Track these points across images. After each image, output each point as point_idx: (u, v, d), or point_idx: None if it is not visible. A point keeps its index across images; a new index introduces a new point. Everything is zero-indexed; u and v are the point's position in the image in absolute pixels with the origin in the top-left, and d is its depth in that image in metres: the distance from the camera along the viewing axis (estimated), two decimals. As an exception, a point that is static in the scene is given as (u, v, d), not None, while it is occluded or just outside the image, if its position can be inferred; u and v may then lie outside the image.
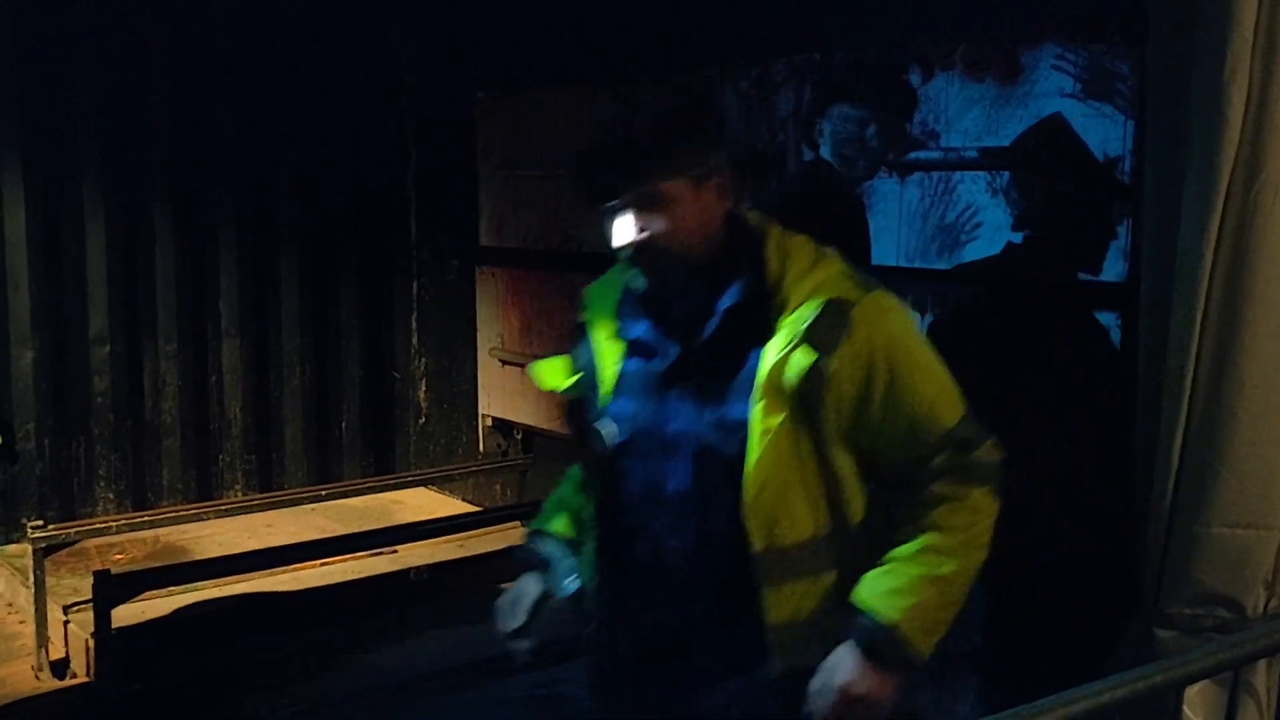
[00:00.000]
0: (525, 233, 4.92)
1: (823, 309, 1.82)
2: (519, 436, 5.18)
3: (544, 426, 4.92)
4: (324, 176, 5.18)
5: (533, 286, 4.89)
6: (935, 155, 3.40)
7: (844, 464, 1.90)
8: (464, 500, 5.33)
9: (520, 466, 5.22)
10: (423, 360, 5.53)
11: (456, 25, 5.13)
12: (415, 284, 5.47)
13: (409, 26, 5.28)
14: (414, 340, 5.52)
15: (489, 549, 4.79)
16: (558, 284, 4.75)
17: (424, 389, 5.53)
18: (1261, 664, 1.90)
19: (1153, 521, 1.96)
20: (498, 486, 5.29)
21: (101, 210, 4.68)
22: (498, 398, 5.17)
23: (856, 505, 1.92)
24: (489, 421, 5.26)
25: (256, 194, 5.04)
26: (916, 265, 3.48)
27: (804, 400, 1.83)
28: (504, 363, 5.09)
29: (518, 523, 5.02)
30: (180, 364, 4.93)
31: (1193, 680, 1.71)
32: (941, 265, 3.43)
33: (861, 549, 1.92)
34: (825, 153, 3.69)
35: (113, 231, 4.71)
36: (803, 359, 1.81)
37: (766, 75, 3.86)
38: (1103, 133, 3.02)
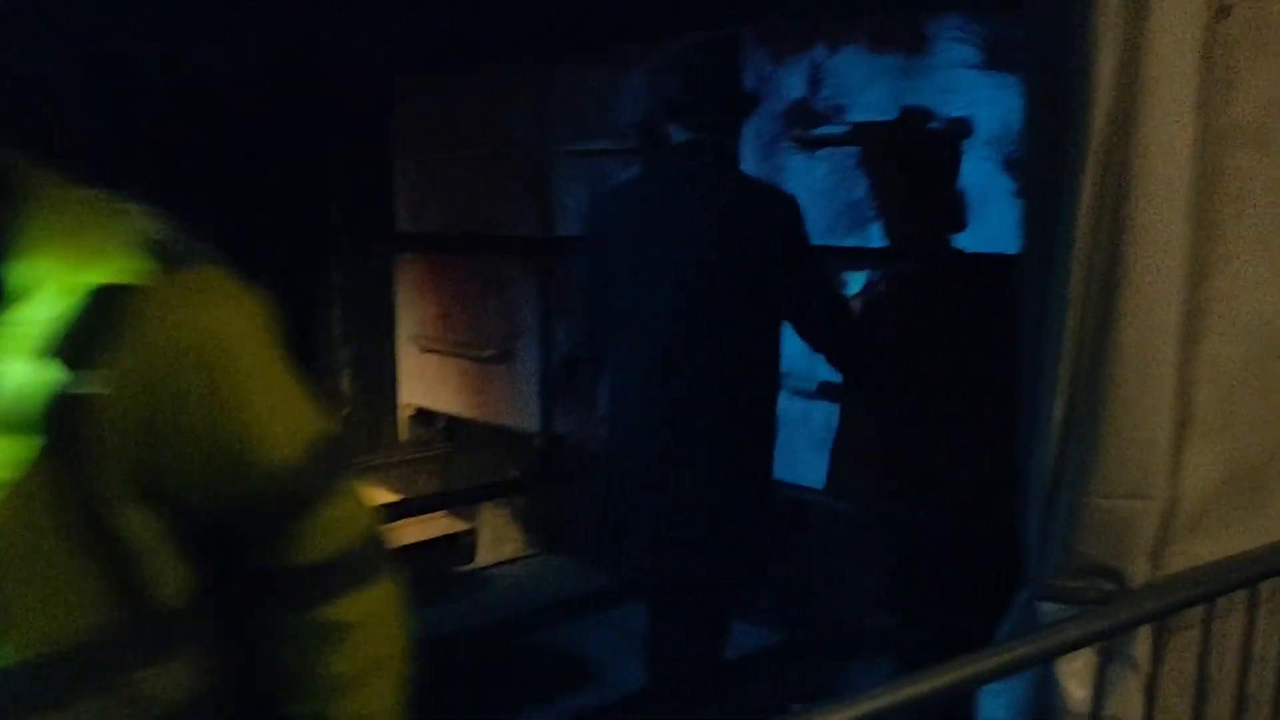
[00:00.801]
0: (442, 217, 4.84)
1: (86, 300, 1.25)
2: (441, 426, 5.10)
3: (466, 415, 4.85)
4: (240, 162, 5.06)
5: (451, 271, 4.82)
6: (841, 130, 3.36)
7: (140, 526, 1.29)
8: (387, 490, 5.24)
9: (443, 455, 5.14)
10: (345, 349, 5.43)
11: (373, 4, 5.03)
12: (335, 271, 5.37)
13: (325, 6, 5.16)
14: (335, 328, 5.42)
15: (411, 540, 4.73)
16: (476, 268, 4.67)
17: (346, 378, 5.43)
18: (1142, 633, 1.85)
19: (1034, 492, 1.91)
20: (421, 477, 5.21)
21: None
22: (419, 386, 5.09)
23: (170, 585, 1.33)
24: (411, 410, 5.18)
25: (168, 182, 4.91)
26: (827, 243, 3.44)
27: (60, 440, 1.23)
28: (424, 350, 5.01)
29: (441, 513, 4.99)
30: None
31: (1063, 652, 1.67)
32: (851, 242, 3.38)
33: (209, 642, 1.39)
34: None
35: None
36: (47, 377, 1.22)
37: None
38: (1005, 103, 2.98)
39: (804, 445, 3.64)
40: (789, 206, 2.99)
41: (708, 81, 2.88)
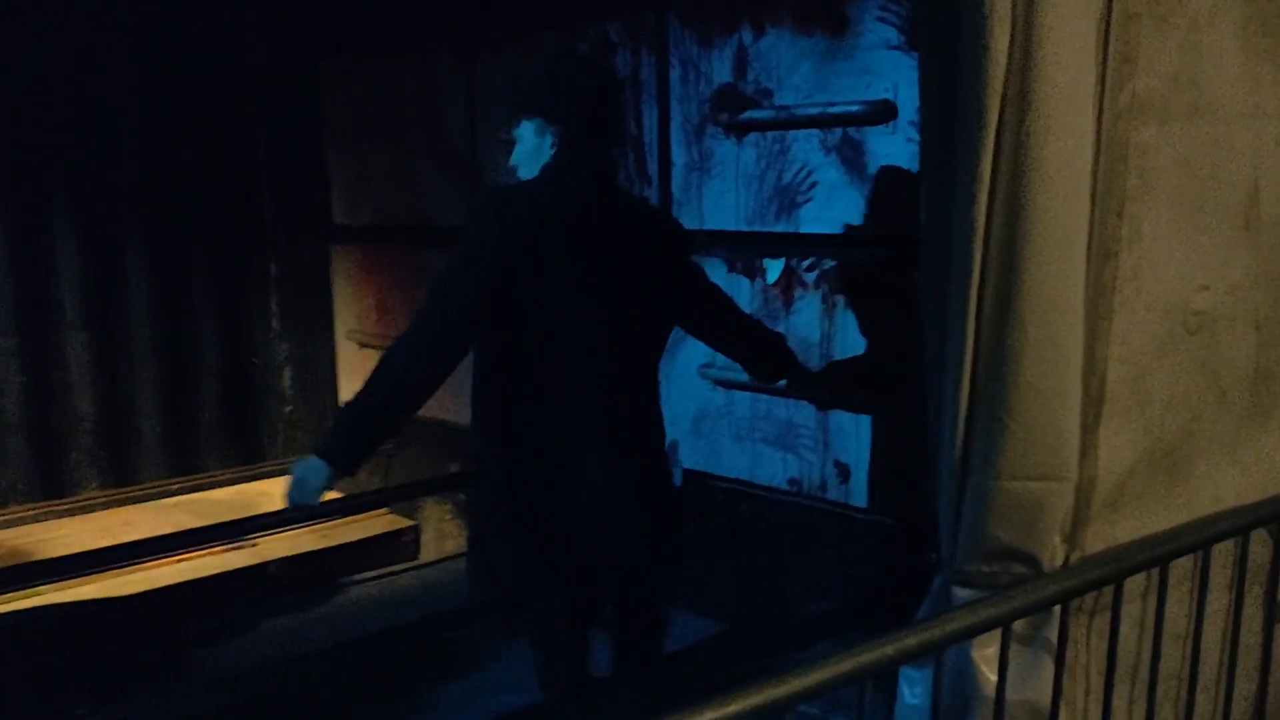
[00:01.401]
0: (376, 209, 4.78)
1: None
2: (382, 420, 5.04)
3: (405, 409, 4.79)
4: (169, 155, 4.97)
5: (386, 264, 4.76)
6: (768, 114, 3.33)
7: None
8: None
9: (385, 451, 5.08)
10: (284, 345, 5.37)
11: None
12: (271, 265, 5.30)
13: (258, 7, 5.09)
14: (273, 324, 5.35)
15: (353, 538, 4.69)
16: (411, 260, 4.62)
17: (287, 375, 5.37)
18: (1054, 616, 1.84)
19: (944, 477, 1.89)
20: (363, 474, 5.15)
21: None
22: (359, 382, 5.01)
23: None
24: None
25: (96, 176, 4.82)
26: (756, 229, 3.41)
27: None
28: (362, 345, 4.95)
29: (385, 510, 4.93)
30: (20, 360, 4.72)
31: (972, 635, 1.65)
32: (780, 228, 3.36)
33: None
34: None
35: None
36: None
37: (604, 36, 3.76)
38: (928, 84, 2.96)
39: (727, 436, 3.61)
40: (675, 229, 3.01)
41: (592, 102, 2.80)
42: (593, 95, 2.82)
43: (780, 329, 3.30)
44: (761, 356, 3.17)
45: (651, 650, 3.10)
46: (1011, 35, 1.68)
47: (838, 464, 3.34)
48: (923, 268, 1.90)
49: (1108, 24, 1.79)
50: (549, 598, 2.94)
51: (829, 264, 3.31)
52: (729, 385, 3.57)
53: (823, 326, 3.37)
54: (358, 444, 2.82)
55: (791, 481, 3.47)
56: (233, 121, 5.12)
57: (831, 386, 3.34)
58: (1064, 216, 1.79)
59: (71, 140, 4.73)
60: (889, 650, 1.38)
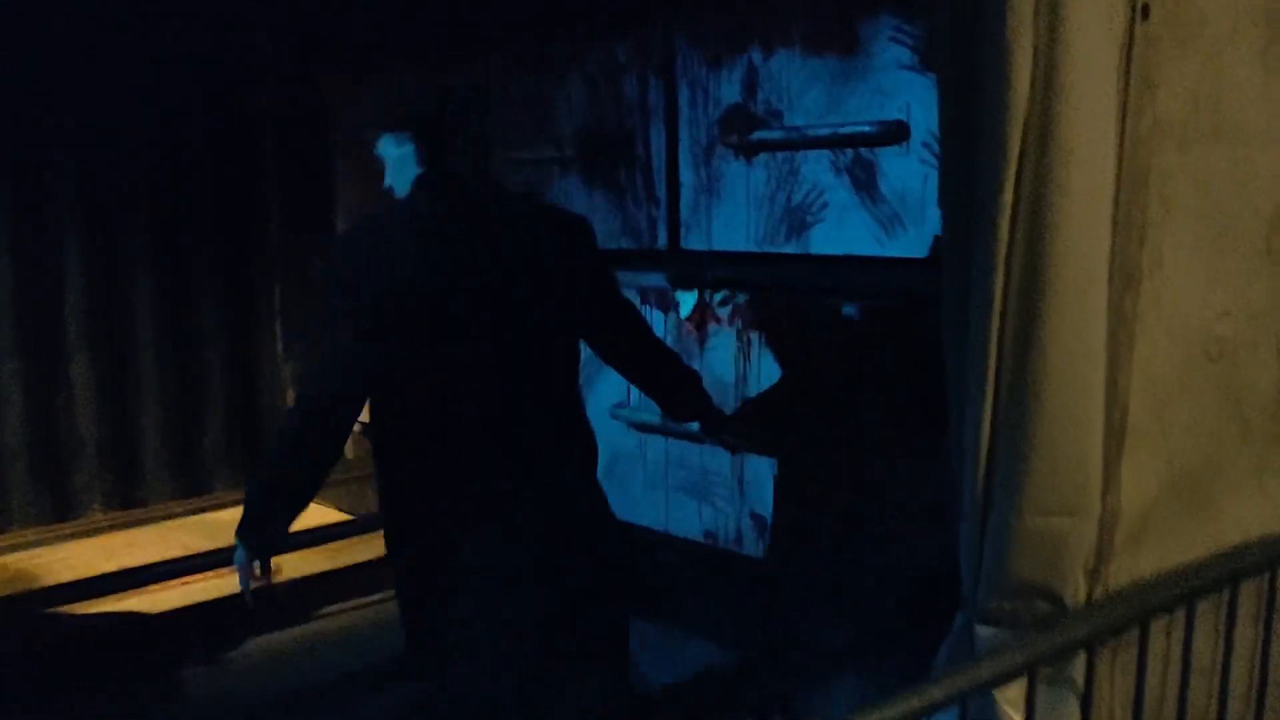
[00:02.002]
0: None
1: None
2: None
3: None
4: (177, 177, 4.95)
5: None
6: (778, 135, 3.29)
7: None
8: (338, 509, 5.15)
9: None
10: (290, 366, 5.34)
11: (307, 8, 4.93)
12: (278, 287, 5.27)
13: (259, 12, 5.05)
14: (279, 346, 5.32)
15: (362, 558, 4.65)
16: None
17: (291, 397, 5.33)
18: (1079, 654, 1.79)
19: (967, 514, 1.85)
20: (371, 494, 5.11)
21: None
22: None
23: None
24: (358, 428, 5.08)
25: (103, 199, 4.80)
26: (766, 250, 3.38)
27: None
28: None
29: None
30: (25, 382, 4.69)
31: (999, 683, 1.61)
32: (790, 249, 3.32)
33: None
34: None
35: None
36: None
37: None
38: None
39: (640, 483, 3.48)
40: (578, 233, 2.87)
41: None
42: (434, 101, 2.75)
43: (694, 367, 3.20)
44: (675, 392, 3.03)
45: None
46: (1034, 64, 1.64)
47: (754, 515, 3.26)
48: (942, 297, 1.86)
49: (1129, 49, 1.75)
50: (483, 655, 2.76)
51: (742, 298, 3.26)
52: (641, 427, 3.45)
53: (738, 366, 3.29)
54: (278, 521, 2.70)
55: (708, 534, 3.35)
56: (242, 143, 5.10)
57: (744, 431, 3.20)
58: (1086, 245, 1.75)
59: (78, 168, 4.71)
60: (915, 703, 1.34)
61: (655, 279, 3.65)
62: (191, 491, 5.15)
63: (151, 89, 4.83)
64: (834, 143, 3.17)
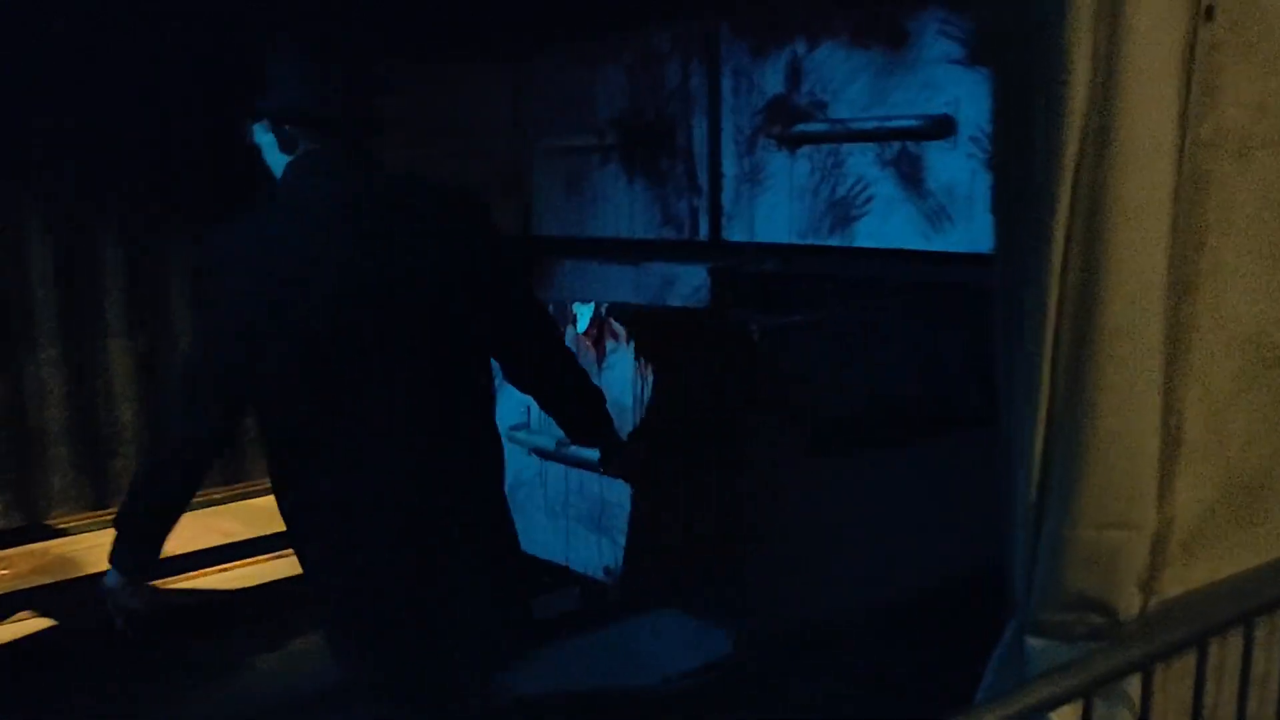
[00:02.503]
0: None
1: None
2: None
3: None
4: (216, 161, 4.95)
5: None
6: (823, 127, 3.26)
7: None
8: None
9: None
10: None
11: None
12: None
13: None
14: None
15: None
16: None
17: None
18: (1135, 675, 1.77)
19: (1018, 523, 1.83)
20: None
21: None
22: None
23: None
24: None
25: (140, 187, 4.81)
26: (809, 242, 3.35)
27: None
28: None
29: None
30: (64, 369, 4.71)
31: (1054, 706, 1.59)
32: (834, 242, 3.29)
33: None
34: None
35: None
36: None
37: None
38: (990, 100, 2.88)
39: (541, 511, 3.30)
40: (474, 222, 2.68)
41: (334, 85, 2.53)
42: (294, 81, 2.58)
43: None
44: (577, 411, 2.88)
45: None
46: (1093, 69, 1.61)
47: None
48: (994, 304, 1.84)
49: (1191, 55, 1.71)
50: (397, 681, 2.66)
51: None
52: (541, 453, 3.31)
53: (635, 388, 3.15)
54: (138, 552, 2.63)
55: (607, 570, 3.22)
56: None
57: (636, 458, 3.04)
58: (1144, 253, 1.72)
59: (119, 153, 4.71)
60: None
61: (696, 270, 3.63)
62: (231, 477, 5.16)
63: (194, 77, 4.83)
64: (879, 136, 3.13)
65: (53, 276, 4.65)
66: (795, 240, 3.38)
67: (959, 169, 2.99)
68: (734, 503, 2.90)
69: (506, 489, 2.80)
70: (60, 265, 4.66)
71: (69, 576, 4.17)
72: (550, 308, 3.18)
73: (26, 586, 4.01)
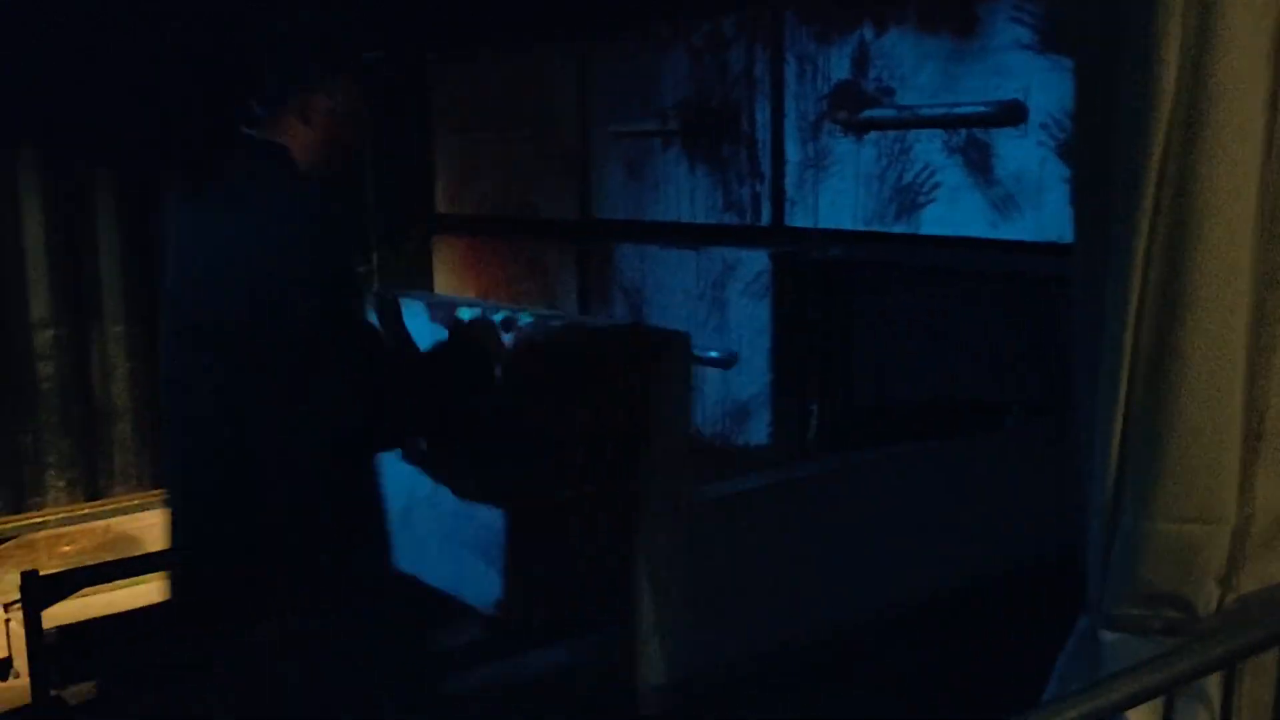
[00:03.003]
0: (481, 199, 4.76)
1: None
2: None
3: (507, 400, 4.77)
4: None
5: (489, 255, 4.73)
6: (890, 113, 3.23)
7: None
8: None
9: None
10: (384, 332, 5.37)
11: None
12: (374, 254, 5.30)
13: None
14: (374, 319, 5.34)
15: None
16: (515, 252, 4.59)
17: (387, 363, 5.36)
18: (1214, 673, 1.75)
19: (1094, 516, 1.80)
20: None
21: (37, 188, 4.50)
22: (460, 371, 5.01)
23: None
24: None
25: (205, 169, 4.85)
26: (874, 229, 3.32)
27: None
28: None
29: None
30: (128, 346, 4.77)
31: (1133, 704, 1.57)
32: (899, 229, 3.26)
33: None
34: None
35: (51, 211, 4.54)
36: None
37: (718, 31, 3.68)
38: (1062, 87, 2.84)
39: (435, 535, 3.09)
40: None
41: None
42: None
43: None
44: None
45: None
46: (1181, 56, 1.58)
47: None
48: (1073, 295, 1.81)
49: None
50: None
51: (527, 319, 3.07)
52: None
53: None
54: None
55: (499, 604, 3.04)
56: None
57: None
58: (1230, 246, 1.69)
59: (181, 134, 4.75)
60: (1069, 714, 1.31)
61: (758, 255, 3.62)
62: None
63: (254, 55, 4.85)
64: (947, 123, 3.10)
65: (119, 254, 4.71)
66: (859, 227, 3.36)
67: (1028, 156, 2.95)
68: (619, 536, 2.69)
69: (401, 511, 2.72)
70: (126, 244, 4.71)
71: (130, 554, 4.22)
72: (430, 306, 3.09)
73: (90, 563, 4.06)
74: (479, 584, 2.95)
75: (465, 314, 3.10)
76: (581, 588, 2.92)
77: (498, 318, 2.95)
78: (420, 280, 5.17)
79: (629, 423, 2.69)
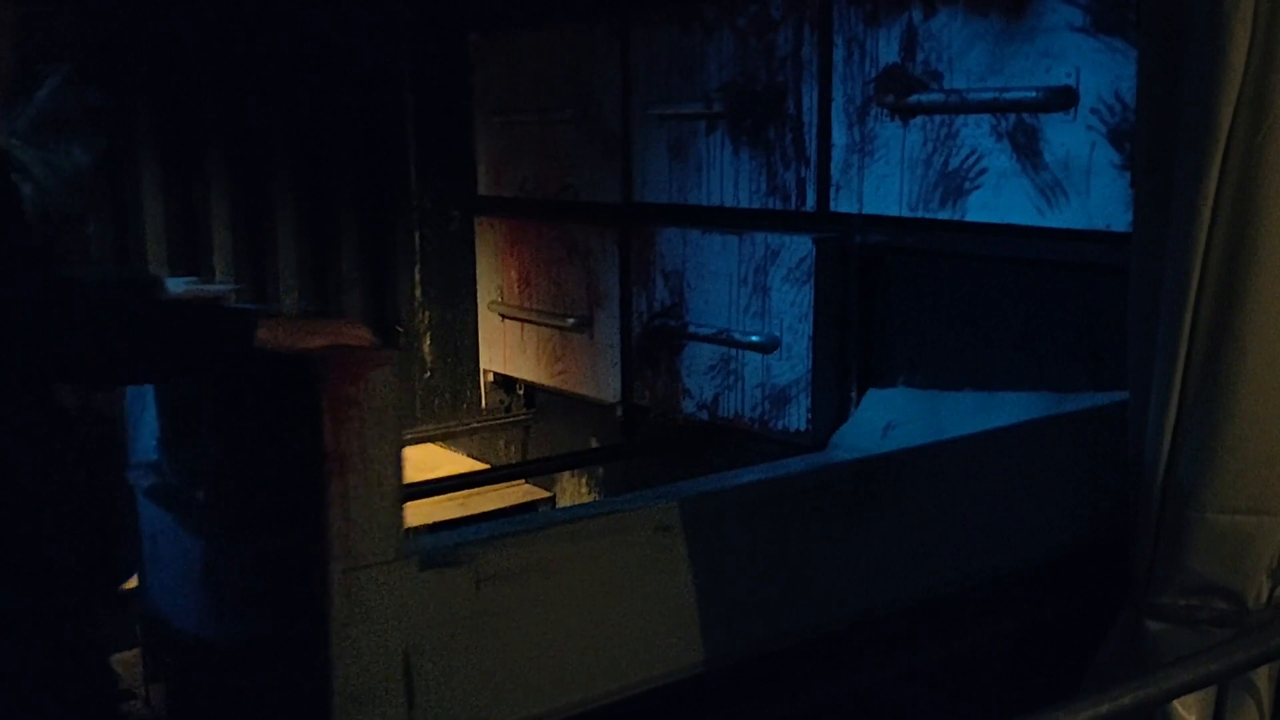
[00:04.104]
0: (523, 181, 4.75)
1: None
2: (520, 392, 5.05)
3: (545, 383, 4.78)
4: (319, 123, 5.00)
5: (530, 237, 4.73)
6: (938, 98, 3.20)
7: None
8: (470, 457, 5.20)
9: (524, 422, 5.09)
10: (426, 313, 5.38)
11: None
12: (417, 234, 5.30)
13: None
14: (417, 293, 5.36)
15: (490, 507, 4.70)
16: (555, 234, 4.58)
17: (428, 343, 5.38)
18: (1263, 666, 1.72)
19: (1143, 505, 1.78)
20: (501, 443, 5.17)
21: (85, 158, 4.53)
22: (498, 352, 5.03)
23: None
24: (490, 377, 5.13)
25: (249, 143, 4.87)
26: (919, 215, 3.30)
27: None
28: (504, 317, 4.93)
29: (522, 481, 4.94)
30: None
31: (1184, 692, 1.55)
32: (945, 215, 3.23)
33: None
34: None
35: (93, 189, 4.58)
36: None
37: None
38: (1114, 70, 2.81)
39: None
40: None
41: None
42: None
43: None
44: None
45: None
46: (1251, 37, 1.55)
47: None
48: (1130, 283, 1.79)
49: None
50: None
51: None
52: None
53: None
54: None
55: None
56: (382, 92, 5.12)
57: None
58: (1290, 234, 1.66)
59: (225, 114, 4.78)
60: (1104, 709, 1.29)
61: (802, 240, 3.60)
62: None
63: (298, 39, 4.87)
64: (996, 107, 3.07)
65: (163, 233, 4.74)
66: (905, 213, 3.33)
67: (1078, 142, 2.92)
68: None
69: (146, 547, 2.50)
70: (171, 224, 4.75)
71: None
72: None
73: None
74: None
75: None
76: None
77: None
78: (462, 263, 5.18)
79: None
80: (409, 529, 3.52)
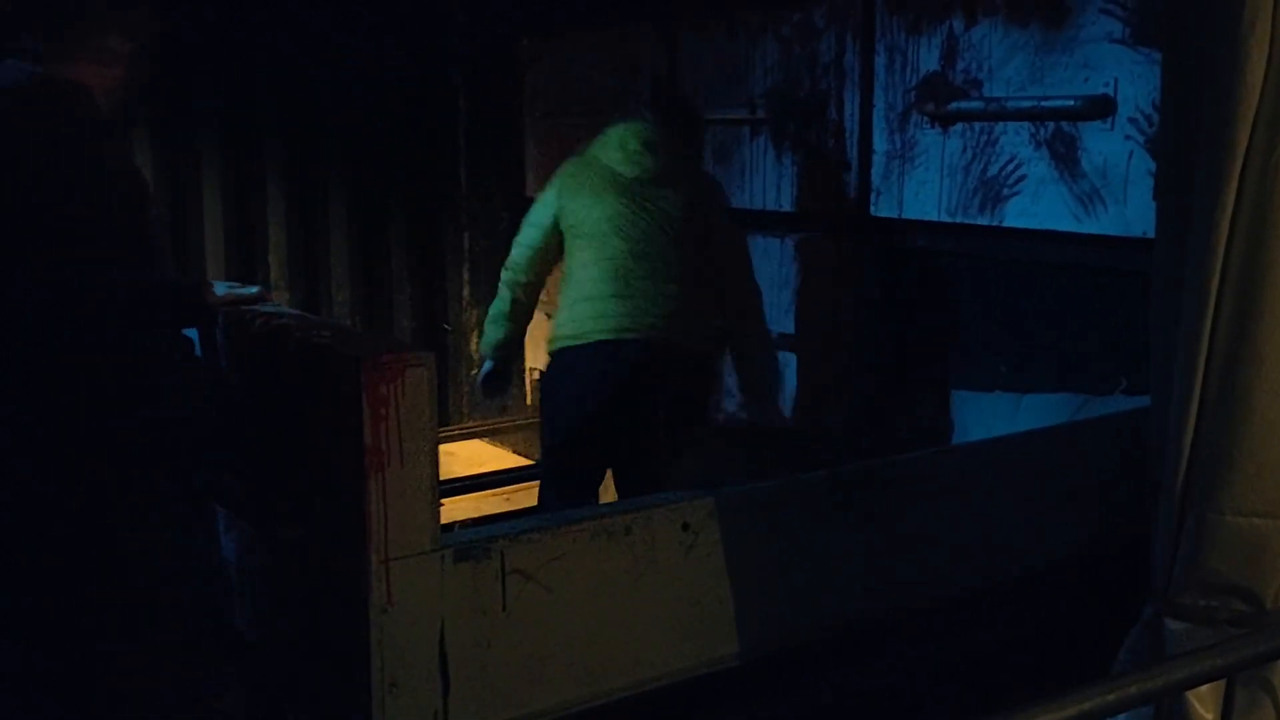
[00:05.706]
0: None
1: None
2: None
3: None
4: (372, 126, 5.12)
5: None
6: (978, 105, 3.25)
7: None
8: (514, 453, 5.29)
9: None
10: (474, 312, 5.48)
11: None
12: (466, 235, 5.41)
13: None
14: (465, 292, 5.47)
15: (534, 502, 4.77)
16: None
17: (476, 341, 5.48)
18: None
19: (1164, 506, 1.83)
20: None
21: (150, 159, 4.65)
22: (543, 351, 5.10)
23: None
24: (535, 375, 5.21)
25: (303, 144, 5.00)
26: (958, 220, 3.35)
27: None
28: (549, 316, 5.00)
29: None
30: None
31: (1197, 684, 1.60)
32: (983, 221, 3.28)
33: None
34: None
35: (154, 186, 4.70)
36: None
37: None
38: (1152, 81, 2.85)
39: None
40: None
41: None
42: None
43: None
44: None
45: None
46: (1269, 58, 1.60)
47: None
48: (1153, 291, 1.84)
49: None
50: None
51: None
52: None
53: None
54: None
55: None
56: (435, 95, 5.23)
57: None
58: (1309, 244, 1.70)
59: (280, 116, 4.90)
60: (1111, 697, 1.35)
61: (843, 245, 3.66)
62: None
63: (351, 44, 4.99)
64: (1035, 115, 3.12)
65: (220, 230, 4.86)
66: (944, 218, 3.39)
67: (1115, 151, 2.96)
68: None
69: None
70: (228, 221, 4.87)
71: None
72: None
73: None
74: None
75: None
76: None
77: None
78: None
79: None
80: (453, 523, 3.66)
